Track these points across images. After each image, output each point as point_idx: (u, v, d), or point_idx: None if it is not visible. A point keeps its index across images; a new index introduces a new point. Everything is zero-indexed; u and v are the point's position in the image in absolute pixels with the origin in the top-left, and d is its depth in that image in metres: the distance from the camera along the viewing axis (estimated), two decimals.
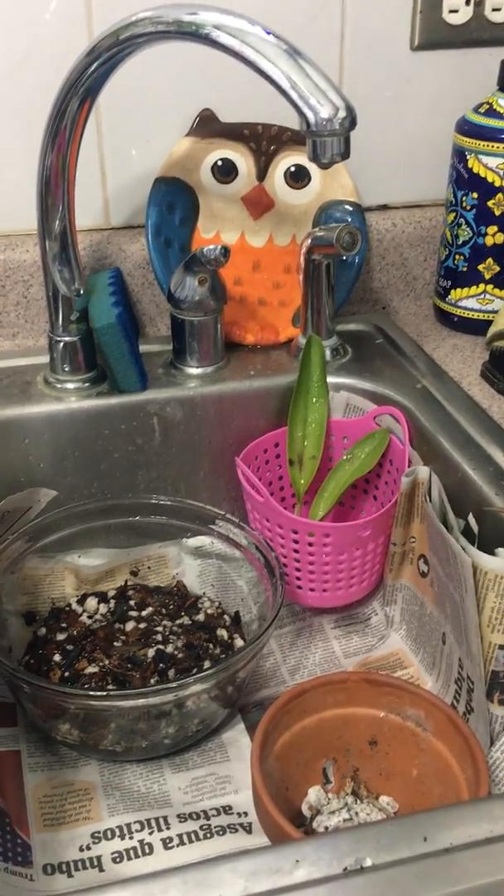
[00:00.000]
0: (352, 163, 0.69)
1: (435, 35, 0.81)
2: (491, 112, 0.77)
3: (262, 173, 0.80)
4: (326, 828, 0.57)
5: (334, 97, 0.52)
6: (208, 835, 0.58)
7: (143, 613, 0.72)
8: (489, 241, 0.79)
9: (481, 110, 0.77)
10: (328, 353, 0.78)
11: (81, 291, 0.72)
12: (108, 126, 0.79)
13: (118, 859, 0.56)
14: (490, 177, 0.77)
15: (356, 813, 0.58)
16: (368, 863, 0.37)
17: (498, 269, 0.80)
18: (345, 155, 0.54)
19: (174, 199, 0.79)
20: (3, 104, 0.76)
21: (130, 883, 0.37)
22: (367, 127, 0.81)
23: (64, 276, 0.71)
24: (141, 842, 0.57)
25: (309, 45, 0.56)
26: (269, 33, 0.54)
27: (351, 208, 0.81)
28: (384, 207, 0.87)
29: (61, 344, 0.74)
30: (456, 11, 0.80)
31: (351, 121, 0.52)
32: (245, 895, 0.36)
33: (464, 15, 0.80)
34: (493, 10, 0.81)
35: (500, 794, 0.53)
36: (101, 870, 0.56)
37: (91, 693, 0.60)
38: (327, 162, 0.54)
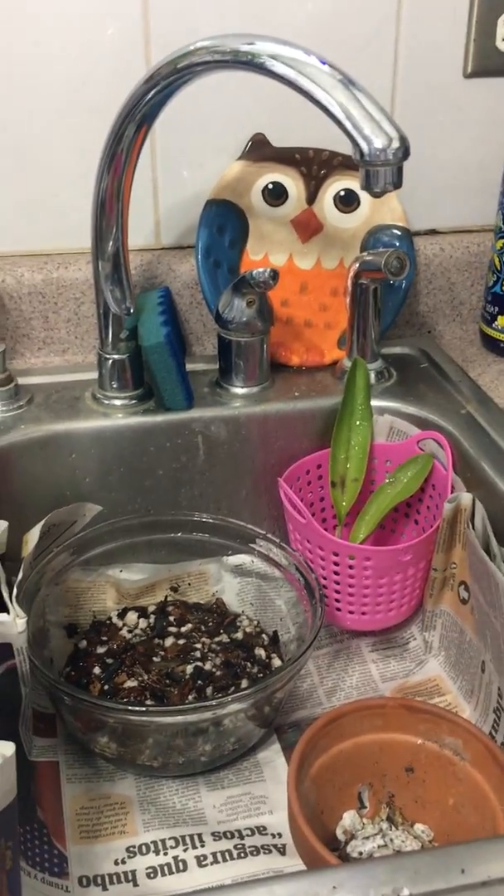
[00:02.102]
0: (401, 187, 0.69)
1: (488, 62, 0.82)
2: None
3: (311, 197, 0.80)
4: (361, 853, 0.57)
5: (388, 128, 0.52)
6: (242, 854, 0.58)
7: (183, 630, 0.73)
8: None
9: None
10: (373, 376, 0.79)
11: (131, 310, 0.74)
12: (162, 148, 0.80)
13: (152, 875, 0.57)
14: None
15: (391, 839, 0.58)
16: (405, 892, 0.37)
17: None
18: (397, 184, 0.54)
19: (224, 221, 0.80)
20: (61, 126, 0.78)
21: None
22: (417, 152, 0.81)
23: (115, 295, 0.72)
24: (175, 858, 0.58)
25: (362, 71, 0.57)
26: (324, 63, 0.55)
27: (399, 233, 0.81)
28: (433, 232, 0.88)
29: (110, 361, 0.75)
30: None
31: (404, 151, 0.53)
32: None
33: None
34: None
35: None
36: (136, 884, 0.56)
37: (130, 708, 0.61)
38: (380, 191, 0.54)
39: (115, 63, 0.76)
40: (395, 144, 0.52)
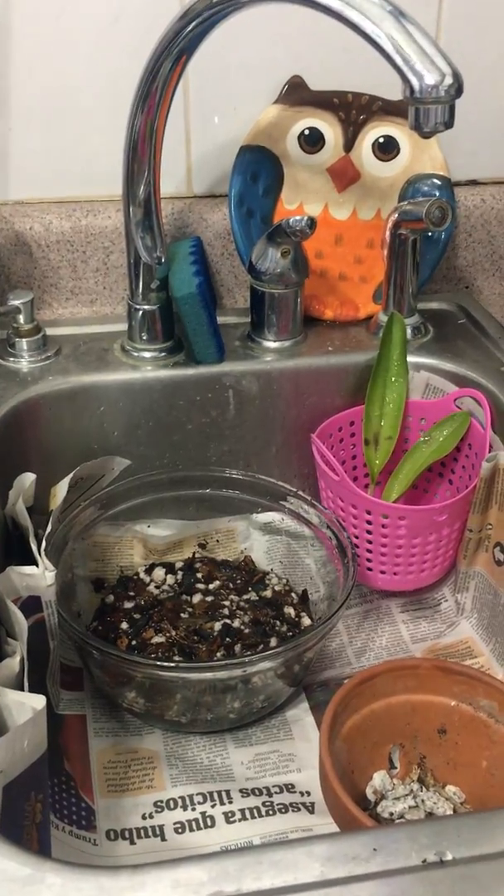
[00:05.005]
0: (442, 135, 0.66)
1: None
2: None
3: (349, 144, 0.77)
4: (391, 813, 0.56)
5: (441, 63, 0.50)
6: (270, 812, 0.57)
7: (211, 587, 0.72)
8: None
9: None
10: (409, 331, 0.76)
11: (163, 260, 0.71)
12: (195, 92, 0.77)
13: (180, 830, 0.56)
14: None
15: (422, 801, 0.57)
16: (449, 856, 0.36)
17: None
18: (449, 124, 0.51)
19: (259, 169, 0.77)
20: (91, 67, 0.75)
21: (205, 859, 0.36)
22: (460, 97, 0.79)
23: (146, 243, 0.70)
24: (203, 814, 0.57)
25: (406, 8, 0.54)
26: None
27: (440, 182, 0.78)
28: (474, 183, 0.85)
29: (140, 312, 0.73)
30: None
31: (457, 88, 0.50)
32: (321, 880, 0.35)
33: None
34: None
35: None
36: (164, 839, 0.56)
37: (160, 663, 0.60)
38: (429, 131, 0.51)
39: (148, 1, 0.73)
40: (448, 81, 0.50)
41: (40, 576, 0.55)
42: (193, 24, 0.58)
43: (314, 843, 0.36)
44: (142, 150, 0.65)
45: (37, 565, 0.56)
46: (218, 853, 0.37)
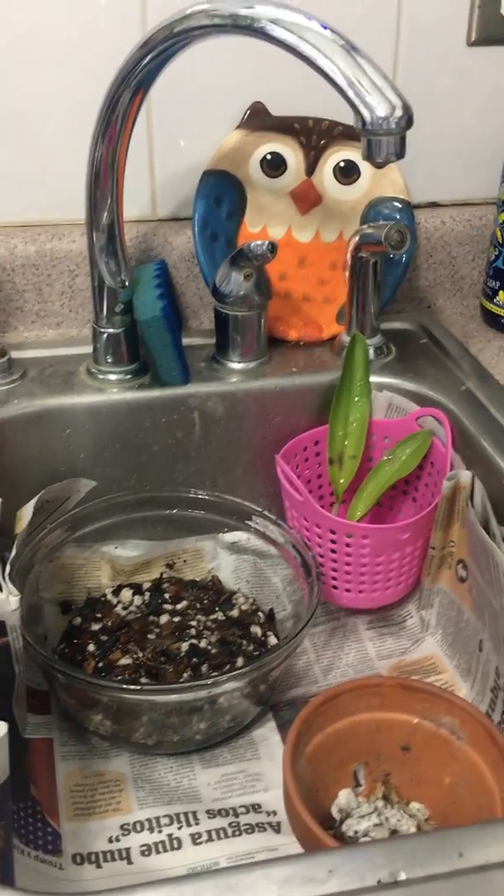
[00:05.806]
0: (403, 159, 0.68)
1: (492, 30, 0.80)
2: None
3: (311, 168, 0.79)
4: (356, 832, 0.57)
5: (391, 95, 0.51)
6: (237, 832, 0.58)
7: (178, 607, 0.72)
8: None
9: None
10: (372, 351, 0.77)
11: (127, 283, 0.72)
12: (158, 117, 0.78)
13: (147, 852, 0.56)
14: None
15: (386, 818, 0.58)
16: (403, 877, 0.36)
17: None
18: (400, 155, 0.53)
19: (222, 193, 0.78)
20: (55, 93, 0.76)
21: (162, 884, 0.37)
22: (419, 122, 0.79)
23: (110, 267, 0.71)
24: (170, 836, 0.57)
25: (364, 38, 0.56)
26: (325, 28, 0.53)
27: (400, 205, 0.80)
28: (434, 205, 0.86)
29: (105, 335, 0.74)
30: None
31: (407, 120, 0.51)
32: None
33: None
34: None
35: None
36: (130, 862, 0.56)
37: (125, 686, 0.60)
38: (382, 161, 0.53)
39: (111, 27, 0.74)
40: (399, 113, 0.51)
41: (4, 601, 0.56)
42: (152, 54, 0.59)
43: (272, 866, 0.37)
44: (104, 179, 0.66)
45: (0, 590, 0.56)
46: (175, 878, 0.37)
